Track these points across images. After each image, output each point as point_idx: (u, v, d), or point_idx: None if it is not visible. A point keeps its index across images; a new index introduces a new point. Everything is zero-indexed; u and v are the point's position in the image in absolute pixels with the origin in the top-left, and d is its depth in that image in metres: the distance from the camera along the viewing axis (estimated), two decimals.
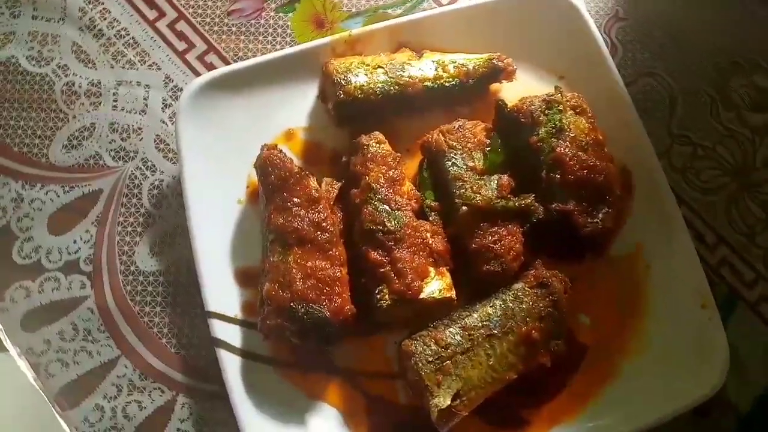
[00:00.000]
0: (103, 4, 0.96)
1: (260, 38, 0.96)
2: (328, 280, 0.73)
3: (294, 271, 0.73)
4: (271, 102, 0.87)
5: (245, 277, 0.81)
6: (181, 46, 0.95)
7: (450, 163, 0.82)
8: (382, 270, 0.74)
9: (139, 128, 0.91)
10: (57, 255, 0.84)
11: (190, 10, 0.97)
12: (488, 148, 0.83)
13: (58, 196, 0.87)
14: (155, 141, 0.90)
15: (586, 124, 0.83)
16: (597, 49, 0.88)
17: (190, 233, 0.78)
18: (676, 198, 0.82)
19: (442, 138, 0.83)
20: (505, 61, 0.88)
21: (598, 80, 0.88)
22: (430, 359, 0.72)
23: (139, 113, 0.91)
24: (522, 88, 0.89)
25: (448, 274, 0.77)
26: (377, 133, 0.83)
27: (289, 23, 0.98)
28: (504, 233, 0.78)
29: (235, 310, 0.79)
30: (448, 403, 0.70)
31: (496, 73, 0.88)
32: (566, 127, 0.81)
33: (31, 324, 0.82)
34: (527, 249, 0.79)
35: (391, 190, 0.79)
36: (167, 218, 0.87)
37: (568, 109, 0.83)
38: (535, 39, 0.91)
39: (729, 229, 0.88)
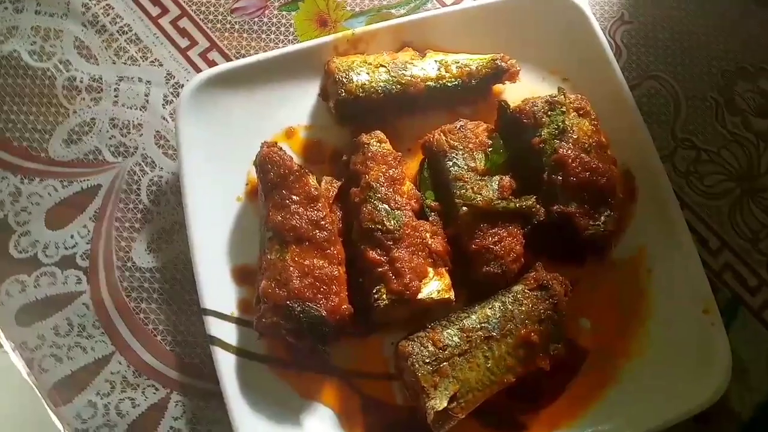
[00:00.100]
0: (106, 0, 0.96)
1: (263, 36, 0.96)
2: (325, 279, 0.73)
3: (291, 269, 0.73)
4: (272, 99, 0.87)
5: (242, 275, 0.80)
6: (183, 43, 0.95)
7: (451, 163, 0.81)
8: (380, 269, 0.74)
9: (140, 124, 0.90)
10: (54, 249, 0.84)
11: (194, 7, 0.96)
12: (490, 149, 0.82)
13: (57, 191, 0.87)
14: (155, 137, 0.90)
15: (590, 126, 0.82)
16: (601, 51, 0.87)
17: (188, 230, 0.78)
18: (679, 202, 0.82)
19: (444, 138, 0.82)
20: (508, 62, 0.87)
21: (602, 83, 0.87)
22: (427, 360, 0.71)
23: (140, 109, 0.91)
24: (525, 90, 0.88)
25: (447, 275, 0.76)
26: (378, 132, 0.83)
27: (292, 22, 0.97)
28: (504, 234, 0.77)
29: (231, 307, 0.78)
30: (445, 405, 0.69)
31: (499, 73, 0.87)
32: (569, 128, 0.80)
33: (26, 318, 0.81)
34: (528, 251, 0.78)
35: (391, 190, 0.78)
36: (165, 215, 0.86)
37: (572, 110, 0.82)
38: (539, 40, 0.90)
39: (733, 234, 0.88)
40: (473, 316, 0.75)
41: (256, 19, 0.97)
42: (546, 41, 0.90)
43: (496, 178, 0.80)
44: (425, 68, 0.86)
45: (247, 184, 0.84)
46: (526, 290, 0.77)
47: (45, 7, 0.95)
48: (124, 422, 0.78)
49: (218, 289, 0.78)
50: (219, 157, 0.83)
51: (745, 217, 0.88)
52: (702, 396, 0.73)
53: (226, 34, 0.96)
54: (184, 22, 0.96)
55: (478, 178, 0.80)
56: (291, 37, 0.96)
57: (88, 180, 0.88)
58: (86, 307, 0.82)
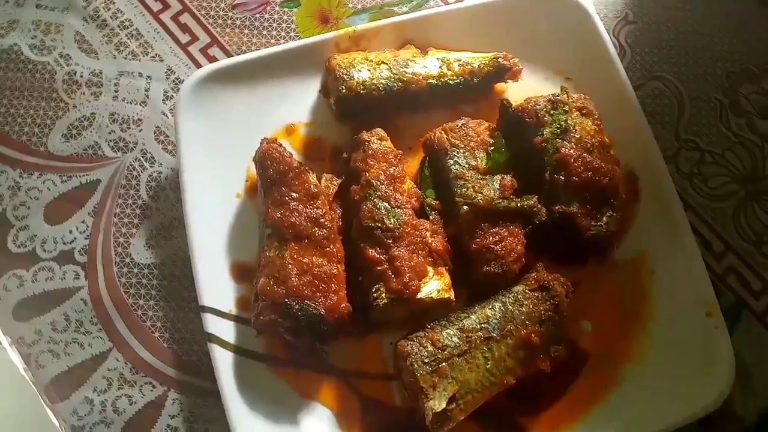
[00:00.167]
0: None
1: (264, 33, 0.96)
2: (324, 277, 0.72)
3: (290, 266, 0.72)
4: (273, 96, 0.86)
5: (241, 273, 0.79)
6: (184, 38, 0.94)
7: (452, 162, 0.80)
8: (379, 268, 0.73)
9: (140, 119, 0.90)
10: (52, 244, 0.84)
11: (195, 3, 0.96)
12: (491, 148, 0.82)
13: (56, 186, 0.86)
14: (155, 132, 0.90)
15: (593, 126, 0.81)
16: (605, 51, 0.87)
17: (187, 226, 0.77)
18: (682, 204, 0.81)
19: (445, 136, 0.81)
20: (511, 60, 0.87)
21: (605, 83, 0.86)
22: (426, 360, 0.70)
23: (140, 104, 0.91)
24: (528, 89, 0.88)
25: (447, 275, 0.75)
26: (379, 129, 0.82)
27: (293, 18, 0.97)
28: (505, 234, 0.76)
29: (229, 305, 0.77)
30: (444, 406, 0.68)
31: (501, 72, 0.87)
32: (571, 128, 0.80)
33: (24, 313, 0.81)
34: (529, 251, 0.77)
35: (391, 188, 0.78)
36: (164, 211, 0.86)
37: (574, 110, 0.82)
38: (542, 39, 0.90)
39: (736, 237, 0.87)
40: (473, 317, 0.74)
41: (257, 15, 0.96)
42: (549, 40, 0.89)
43: (498, 177, 0.80)
44: (427, 66, 0.85)
45: (246, 181, 0.84)
46: (526, 291, 0.76)
47: (46, 1, 0.95)
48: (121, 419, 0.77)
49: (217, 286, 0.77)
50: (219, 153, 0.82)
51: (750, 220, 0.88)
52: (705, 400, 0.72)
53: (228, 30, 0.95)
54: (185, 18, 0.95)
55: (480, 176, 0.79)
56: (292, 34, 0.96)
57: (87, 175, 0.87)
58: (84, 302, 0.81)
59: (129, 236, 0.85)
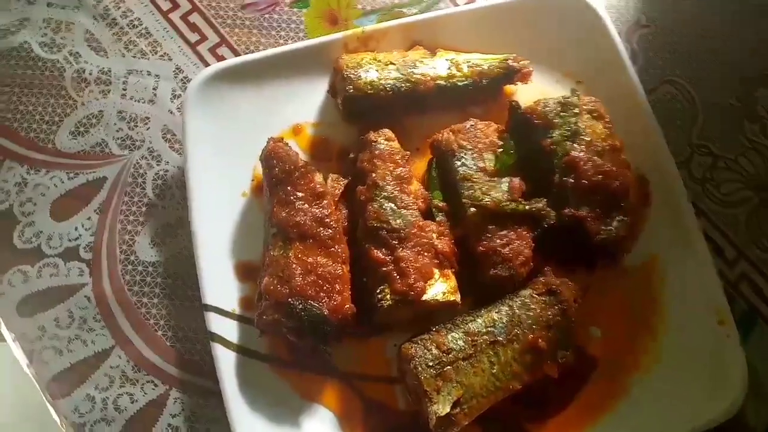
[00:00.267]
0: None
1: (273, 33, 0.96)
2: (328, 277, 0.71)
3: (294, 266, 0.71)
4: (280, 96, 0.86)
5: (246, 272, 0.79)
6: (193, 37, 0.94)
7: (460, 163, 0.79)
8: (384, 269, 0.72)
9: (147, 118, 0.90)
10: (57, 241, 0.83)
11: (205, 2, 0.96)
12: (500, 150, 0.81)
13: (62, 182, 0.86)
14: (162, 131, 0.90)
15: (603, 129, 0.80)
16: (616, 53, 0.86)
17: (192, 225, 0.77)
18: (694, 209, 0.79)
19: (453, 137, 0.81)
20: (520, 62, 0.86)
21: (617, 86, 0.85)
22: (431, 364, 0.69)
23: (148, 103, 0.91)
24: (537, 92, 0.87)
25: (453, 277, 0.74)
26: (386, 130, 0.81)
27: (302, 19, 0.97)
28: (513, 237, 0.75)
29: (233, 304, 0.77)
30: (448, 410, 0.67)
31: (511, 74, 0.86)
32: (581, 130, 0.79)
33: (28, 309, 0.81)
34: (537, 255, 0.76)
35: (397, 189, 0.77)
36: (170, 209, 0.86)
37: (585, 112, 0.81)
38: (552, 42, 0.89)
39: (750, 244, 0.85)
40: (479, 320, 0.73)
41: (266, 16, 0.96)
42: (560, 43, 0.88)
43: (506, 179, 0.79)
44: (436, 67, 0.84)
45: (252, 180, 0.83)
46: (534, 295, 0.75)
47: None
48: (122, 418, 0.77)
49: (221, 286, 0.77)
50: (225, 152, 0.82)
51: (763, 227, 0.86)
52: (715, 410, 0.70)
53: (236, 30, 0.95)
54: (194, 17, 0.96)
55: (488, 178, 0.79)
56: (301, 35, 0.96)
57: (94, 172, 0.87)
58: (88, 299, 0.81)
59: (134, 234, 0.84)
